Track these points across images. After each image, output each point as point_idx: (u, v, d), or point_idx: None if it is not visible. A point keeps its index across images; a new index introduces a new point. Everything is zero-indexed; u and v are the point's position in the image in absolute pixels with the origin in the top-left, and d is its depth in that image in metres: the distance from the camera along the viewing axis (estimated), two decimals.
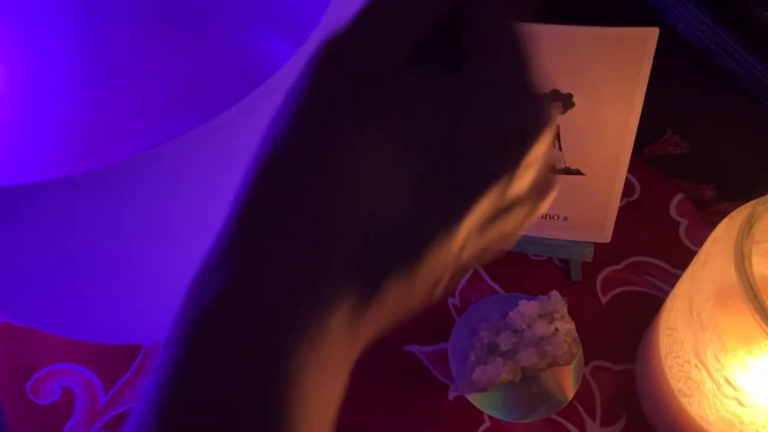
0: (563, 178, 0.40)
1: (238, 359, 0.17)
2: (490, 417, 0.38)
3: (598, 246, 0.41)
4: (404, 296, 0.19)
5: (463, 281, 0.42)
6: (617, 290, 0.42)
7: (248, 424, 0.16)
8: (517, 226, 0.22)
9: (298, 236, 0.18)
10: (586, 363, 0.39)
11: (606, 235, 0.40)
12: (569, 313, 0.36)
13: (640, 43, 0.36)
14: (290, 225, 0.18)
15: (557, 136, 0.39)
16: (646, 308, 0.40)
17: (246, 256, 0.18)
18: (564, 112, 0.38)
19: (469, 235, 0.20)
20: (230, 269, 0.18)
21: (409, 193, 0.18)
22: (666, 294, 0.39)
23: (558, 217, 0.40)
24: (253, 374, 0.17)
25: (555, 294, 0.36)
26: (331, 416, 0.18)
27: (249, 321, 0.17)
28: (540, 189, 0.22)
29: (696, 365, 0.30)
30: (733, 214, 0.30)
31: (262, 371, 0.17)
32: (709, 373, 0.30)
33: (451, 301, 0.42)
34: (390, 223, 0.18)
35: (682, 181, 0.45)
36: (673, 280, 0.38)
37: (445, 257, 0.19)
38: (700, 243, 0.33)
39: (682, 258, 0.41)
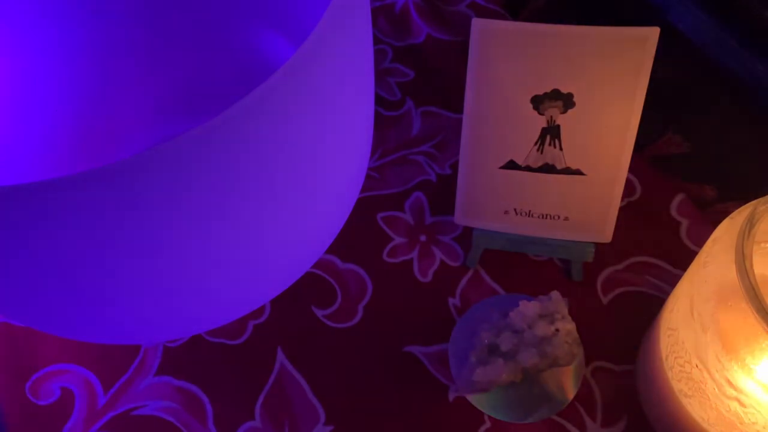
0: (563, 178, 0.39)
1: None
2: (490, 418, 0.38)
3: (598, 246, 0.41)
4: None
5: (464, 281, 0.42)
6: (618, 290, 0.42)
7: None
8: None
9: None
10: (587, 363, 0.39)
11: (607, 236, 0.40)
12: (570, 313, 0.36)
13: (641, 43, 0.36)
14: None
15: (558, 136, 0.39)
16: (646, 309, 0.40)
17: None
18: (564, 112, 0.38)
19: None
20: None
21: None
22: (667, 294, 0.39)
23: (558, 217, 0.40)
24: None
25: (556, 294, 0.36)
26: None
27: None
28: None
29: (697, 366, 0.30)
30: (734, 214, 0.30)
31: None
32: (710, 373, 0.30)
33: (451, 301, 0.42)
34: None
35: (683, 181, 0.45)
36: (674, 281, 0.38)
37: None
38: (701, 243, 0.33)
39: (683, 258, 0.41)
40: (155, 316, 0.31)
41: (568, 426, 0.38)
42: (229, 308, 0.33)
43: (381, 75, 0.52)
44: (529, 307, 0.36)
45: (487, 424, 0.38)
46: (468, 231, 0.44)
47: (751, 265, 0.27)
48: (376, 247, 0.44)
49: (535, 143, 0.39)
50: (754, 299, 0.26)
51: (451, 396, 0.39)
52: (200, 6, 0.43)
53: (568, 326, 0.35)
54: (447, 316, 0.41)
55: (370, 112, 0.35)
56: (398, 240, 0.44)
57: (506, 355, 0.35)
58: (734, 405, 0.29)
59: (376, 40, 0.54)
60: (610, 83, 0.37)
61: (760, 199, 0.29)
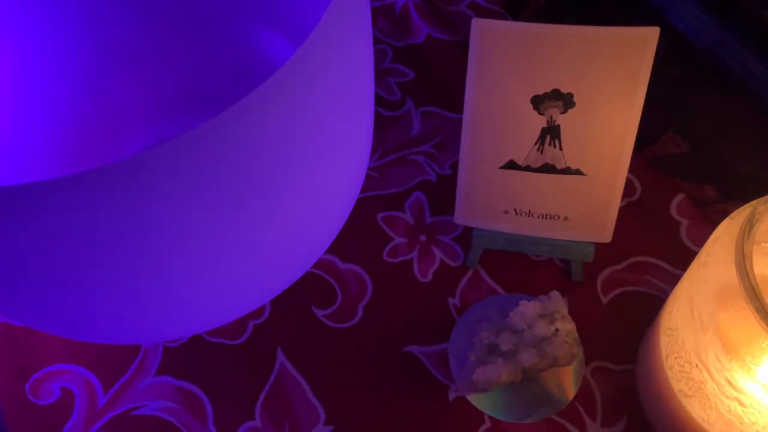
0: (563, 178, 0.39)
1: None
2: (490, 417, 0.38)
3: (598, 246, 0.41)
4: None
5: (464, 281, 0.42)
6: (618, 290, 0.42)
7: None
8: None
9: None
10: (587, 363, 0.39)
11: (607, 236, 0.40)
12: (570, 313, 0.36)
13: (641, 43, 0.36)
14: None
15: (558, 136, 0.39)
16: (646, 308, 0.40)
17: None
18: (564, 112, 0.38)
19: None
20: None
21: None
22: (667, 294, 0.39)
23: (558, 217, 0.40)
24: None
25: (556, 294, 0.36)
26: None
27: None
28: None
29: (697, 366, 0.30)
30: (734, 214, 0.30)
31: None
32: (710, 373, 0.30)
33: (451, 301, 0.42)
34: None
35: (683, 181, 0.45)
36: (673, 281, 0.38)
37: None
38: (701, 243, 0.33)
39: (683, 258, 0.41)
40: (155, 316, 0.31)
41: (568, 426, 0.38)
42: (229, 308, 0.33)
43: (381, 75, 0.52)
44: (528, 307, 0.36)
45: (487, 424, 0.38)
46: (468, 231, 0.44)
47: (751, 265, 0.27)
48: (376, 247, 0.44)
49: (535, 143, 0.39)
50: (754, 299, 0.26)
51: (451, 396, 0.39)
52: (200, 6, 0.43)
53: (567, 326, 0.35)
54: (447, 316, 0.41)
55: (370, 111, 0.35)
56: (398, 240, 0.44)
57: (506, 355, 0.35)
58: (734, 405, 0.29)
59: (376, 40, 0.54)
60: (610, 83, 0.37)
61: (760, 199, 0.29)
